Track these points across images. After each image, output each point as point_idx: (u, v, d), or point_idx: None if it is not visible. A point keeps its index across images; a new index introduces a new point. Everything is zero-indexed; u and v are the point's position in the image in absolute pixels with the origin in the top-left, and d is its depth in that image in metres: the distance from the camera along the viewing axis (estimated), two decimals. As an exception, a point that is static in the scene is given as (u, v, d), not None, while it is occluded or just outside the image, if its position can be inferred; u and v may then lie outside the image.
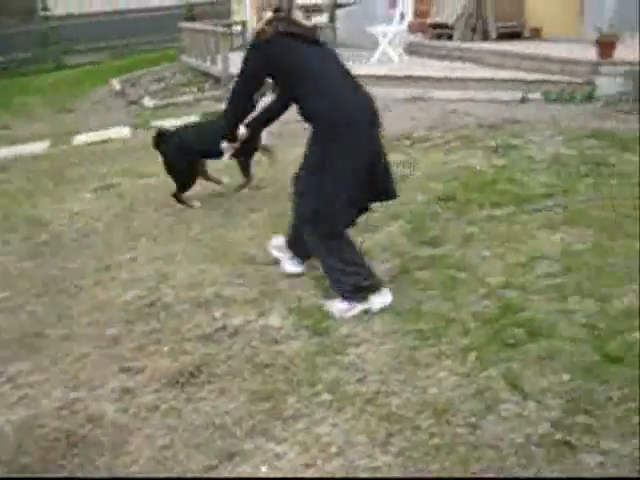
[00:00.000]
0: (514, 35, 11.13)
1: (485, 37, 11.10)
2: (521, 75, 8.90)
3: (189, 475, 2.56)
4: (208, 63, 11.76)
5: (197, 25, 13.69)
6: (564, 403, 2.75)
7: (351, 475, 2.49)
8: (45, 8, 20.60)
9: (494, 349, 3.14)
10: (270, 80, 3.77)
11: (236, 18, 16.39)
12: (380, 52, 10.68)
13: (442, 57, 10.88)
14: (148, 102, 10.68)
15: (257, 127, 4.24)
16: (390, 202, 4.00)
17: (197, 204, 5.34)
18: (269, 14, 3.56)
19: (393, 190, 3.75)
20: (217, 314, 3.69)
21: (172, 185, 5.39)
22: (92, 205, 5.67)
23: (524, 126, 6.84)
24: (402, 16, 10.79)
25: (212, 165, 5.55)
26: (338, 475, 2.49)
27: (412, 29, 11.94)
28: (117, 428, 2.84)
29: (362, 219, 3.84)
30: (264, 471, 2.54)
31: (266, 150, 5.68)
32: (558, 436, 2.58)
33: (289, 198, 3.80)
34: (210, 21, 13.99)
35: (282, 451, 2.63)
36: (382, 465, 2.52)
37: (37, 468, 2.66)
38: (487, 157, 5.90)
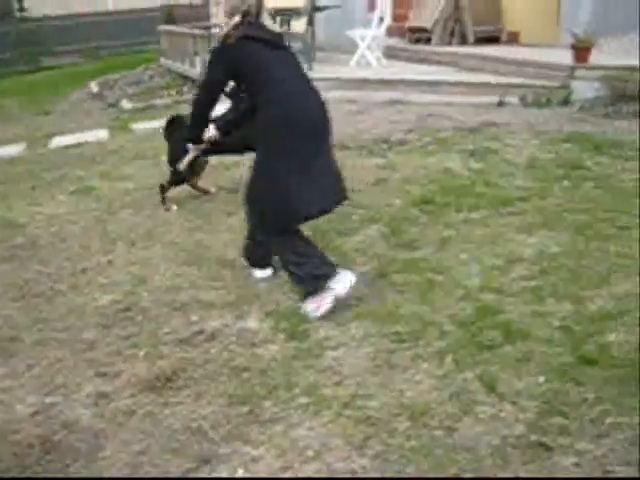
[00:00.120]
0: (492, 39, 11.21)
1: (463, 41, 11.17)
2: (499, 79, 8.96)
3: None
4: (187, 66, 11.71)
5: (176, 28, 13.64)
6: (540, 405, 2.78)
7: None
8: (21, 9, 20.45)
9: (471, 352, 3.16)
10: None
11: (215, 21, 16.35)
12: (358, 55, 10.70)
13: (420, 61, 10.92)
14: (126, 104, 10.62)
15: (228, 129, 4.24)
16: (367, 205, 4.00)
17: (174, 207, 5.31)
18: (237, 18, 3.61)
19: (343, 193, 3.77)
20: (194, 318, 3.67)
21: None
22: (69, 208, 5.62)
23: (501, 129, 6.87)
24: (381, 20, 10.81)
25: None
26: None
27: (391, 33, 11.99)
28: (93, 433, 2.82)
29: (340, 223, 3.84)
30: (240, 473, 2.54)
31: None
32: (534, 437, 2.60)
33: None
34: (189, 24, 13.95)
35: (259, 455, 2.63)
36: (359, 468, 2.53)
37: (11, 474, 2.62)
38: (464, 160, 5.93)
